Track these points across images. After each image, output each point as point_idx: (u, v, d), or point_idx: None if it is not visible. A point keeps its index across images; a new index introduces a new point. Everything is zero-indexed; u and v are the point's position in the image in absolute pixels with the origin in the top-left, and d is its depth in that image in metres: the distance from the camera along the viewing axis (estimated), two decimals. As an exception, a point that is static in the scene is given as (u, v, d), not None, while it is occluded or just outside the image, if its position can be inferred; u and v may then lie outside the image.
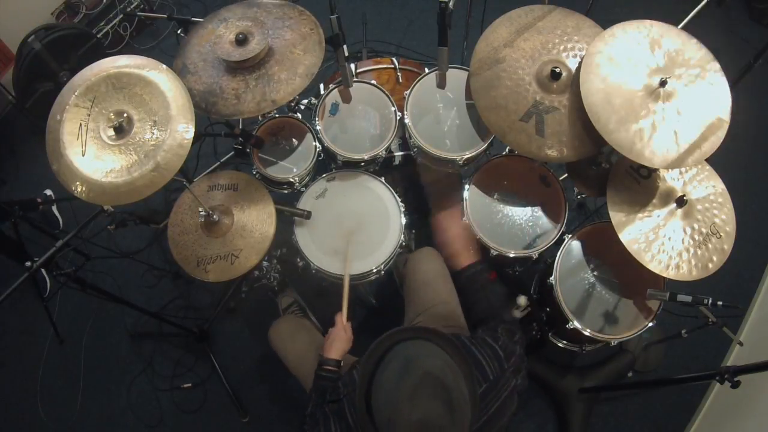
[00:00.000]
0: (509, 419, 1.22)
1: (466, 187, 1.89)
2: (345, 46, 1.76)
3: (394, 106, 1.93)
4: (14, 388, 2.47)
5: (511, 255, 1.80)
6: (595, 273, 1.82)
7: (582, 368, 2.25)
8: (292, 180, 1.89)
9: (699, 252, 1.57)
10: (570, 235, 1.83)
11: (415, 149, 1.90)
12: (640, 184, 1.64)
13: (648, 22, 1.56)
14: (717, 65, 1.52)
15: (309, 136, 1.95)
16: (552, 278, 1.76)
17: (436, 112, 1.92)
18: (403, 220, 1.86)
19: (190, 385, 2.39)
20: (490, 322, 1.39)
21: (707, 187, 1.64)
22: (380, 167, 1.99)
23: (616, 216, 1.60)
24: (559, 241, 1.83)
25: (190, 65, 1.67)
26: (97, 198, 1.43)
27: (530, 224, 1.88)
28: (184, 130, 1.45)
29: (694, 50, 1.54)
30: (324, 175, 1.94)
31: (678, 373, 1.71)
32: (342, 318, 1.57)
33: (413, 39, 3.07)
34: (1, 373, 2.50)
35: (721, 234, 1.59)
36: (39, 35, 2.59)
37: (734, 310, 1.54)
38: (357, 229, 1.87)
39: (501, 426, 1.19)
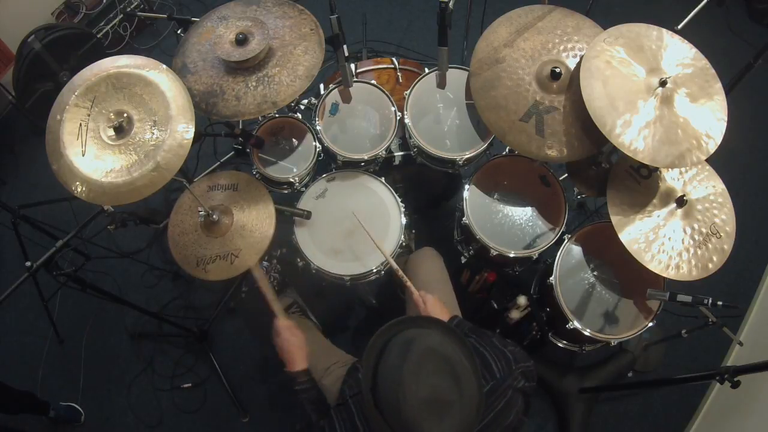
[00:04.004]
0: (517, 418, 1.21)
1: (466, 187, 1.89)
2: (345, 46, 1.76)
3: (394, 106, 1.93)
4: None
5: (511, 255, 1.80)
6: (595, 273, 1.82)
7: (582, 368, 2.25)
8: (292, 180, 1.88)
9: (699, 252, 1.57)
10: (570, 235, 1.83)
11: (415, 149, 1.90)
12: (640, 184, 1.64)
13: (645, 25, 1.56)
14: (710, 68, 1.52)
15: (309, 136, 1.95)
16: (552, 278, 1.76)
17: (436, 112, 1.92)
18: (403, 220, 1.86)
19: (190, 385, 2.40)
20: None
21: (707, 187, 1.64)
22: (380, 167, 1.99)
23: (616, 216, 1.60)
24: (559, 241, 1.83)
25: (189, 64, 1.67)
26: (97, 198, 1.43)
27: (530, 224, 1.88)
28: (184, 130, 1.45)
29: (690, 53, 1.54)
30: (324, 175, 1.94)
31: (678, 373, 1.71)
32: (280, 320, 1.47)
33: (413, 39, 3.07)
34: (1, 372, 2.50)
35: (721, 234, 1.59)
36: (39, 35, 2.59)
37: (734, 310, 1.54)
38: (357, 229, 1.86)
39: (509, 425, 1.19)
